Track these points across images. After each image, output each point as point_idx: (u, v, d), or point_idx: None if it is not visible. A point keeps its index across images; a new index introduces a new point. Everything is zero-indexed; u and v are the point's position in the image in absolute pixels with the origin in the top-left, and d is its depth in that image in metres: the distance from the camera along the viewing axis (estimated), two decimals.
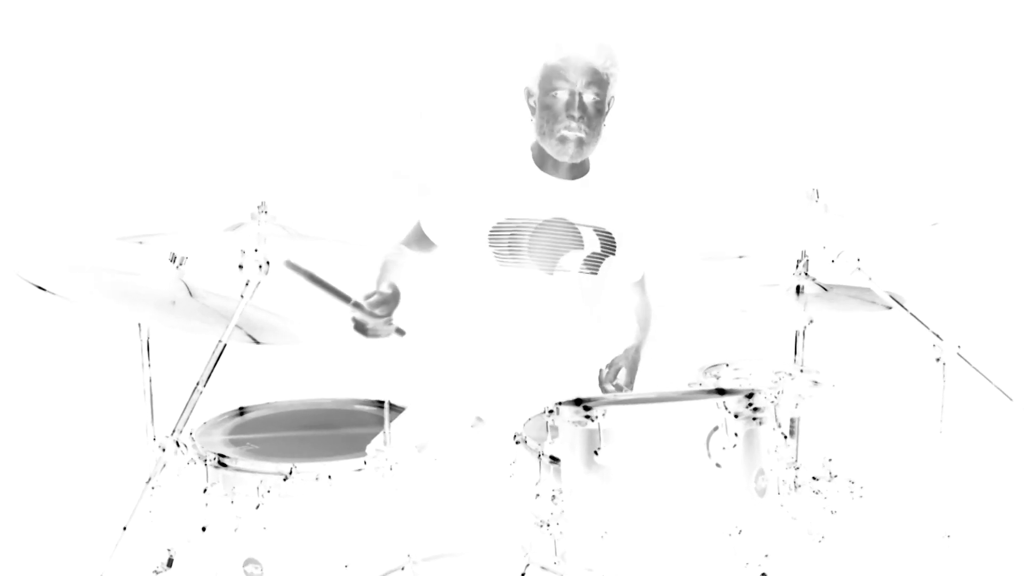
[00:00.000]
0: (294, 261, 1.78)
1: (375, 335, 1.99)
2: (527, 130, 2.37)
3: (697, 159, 3.45)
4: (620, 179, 2.42)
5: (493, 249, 2.30)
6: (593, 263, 2.35)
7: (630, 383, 2.26)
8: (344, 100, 3.39)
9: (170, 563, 1.88)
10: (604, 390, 2.24)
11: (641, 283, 2.50)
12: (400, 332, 2.01)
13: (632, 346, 2.33)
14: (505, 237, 2.30)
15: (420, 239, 2.39)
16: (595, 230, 2.35)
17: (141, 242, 1.87)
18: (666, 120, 3.39)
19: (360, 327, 1.99)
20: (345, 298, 1.92)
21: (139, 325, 1.89)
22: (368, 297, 1.99)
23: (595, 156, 2.37)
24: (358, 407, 2.26)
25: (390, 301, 2.03)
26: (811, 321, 2.21)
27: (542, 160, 2.35)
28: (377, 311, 1.97)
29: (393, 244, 2.40)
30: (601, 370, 2.27)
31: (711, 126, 3.46)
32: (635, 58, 2.31)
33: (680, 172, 3.39)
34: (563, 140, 2.25)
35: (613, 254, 2.37)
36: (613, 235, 2.36)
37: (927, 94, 3.48)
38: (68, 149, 3.35)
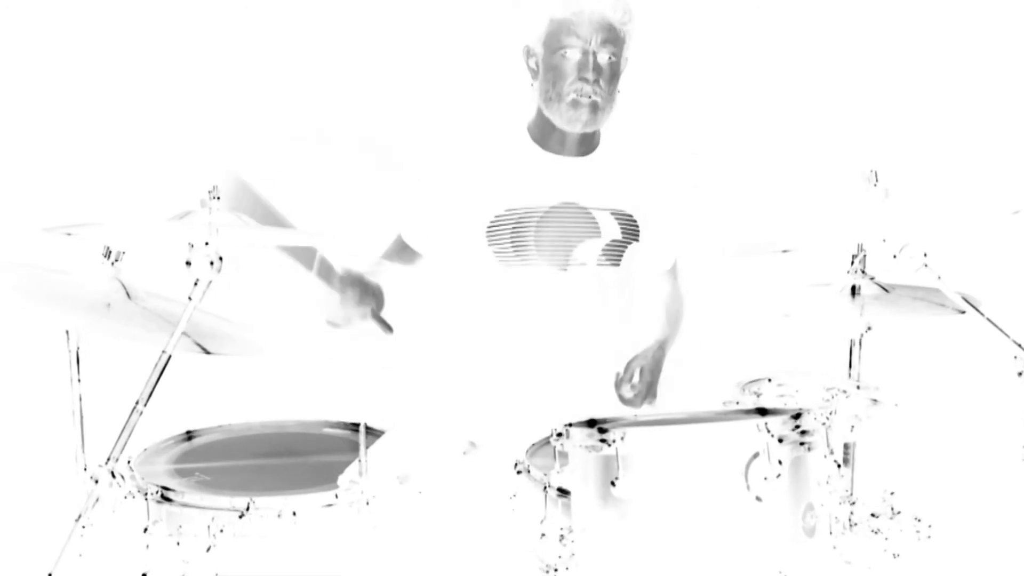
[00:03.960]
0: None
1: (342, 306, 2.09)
2: (522, 102, 2.37)
3: (731, 133, 3.44)
4: (637, 154, 2.41)
5: (494, 247, 2.30)
6: (613, 252, 2.35)
7: (651, 386, 2.26)
8: (305, 65, 3.38)
9: None
10: (620, 395, 2.24)
11: (673, 271, 2.50)
12: (384, 325, 2.06)
13: (655, 343, 2.33)
14: (507, 231, 2.30)
15: (402, 251, 2.39)
16: (612, 213, 2.35)
17: (70, 234, 1.87)
18: (693, 85, 3.38)
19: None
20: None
21: (67, 332, 1.89)
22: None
23: (605, 128, 2.38)
24: (328, 431, 2.26)
25: (368, 287, 2.12)
26: (869, 328, 2.21)
27: (543, 136, 2.35)
28: (348, 290, 2.07)
29: (373, 260, 2.40)
30: (617, 373, 2.27)
31: (749, 93, 3.45)
32: (654, 9, 2.32)
33: (710, 149, 3.39)
34: (575, 104, 2.26)
35: (636, 240, 2.37)
36: (635, 217, 2.36)
37: (1003, 58, 3.47)
38: None
